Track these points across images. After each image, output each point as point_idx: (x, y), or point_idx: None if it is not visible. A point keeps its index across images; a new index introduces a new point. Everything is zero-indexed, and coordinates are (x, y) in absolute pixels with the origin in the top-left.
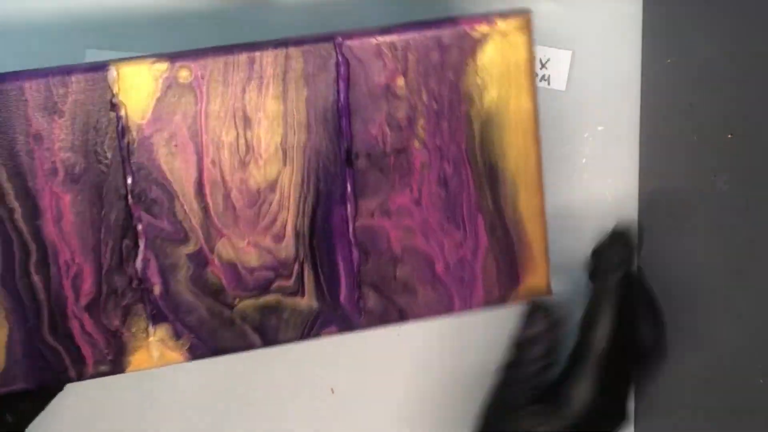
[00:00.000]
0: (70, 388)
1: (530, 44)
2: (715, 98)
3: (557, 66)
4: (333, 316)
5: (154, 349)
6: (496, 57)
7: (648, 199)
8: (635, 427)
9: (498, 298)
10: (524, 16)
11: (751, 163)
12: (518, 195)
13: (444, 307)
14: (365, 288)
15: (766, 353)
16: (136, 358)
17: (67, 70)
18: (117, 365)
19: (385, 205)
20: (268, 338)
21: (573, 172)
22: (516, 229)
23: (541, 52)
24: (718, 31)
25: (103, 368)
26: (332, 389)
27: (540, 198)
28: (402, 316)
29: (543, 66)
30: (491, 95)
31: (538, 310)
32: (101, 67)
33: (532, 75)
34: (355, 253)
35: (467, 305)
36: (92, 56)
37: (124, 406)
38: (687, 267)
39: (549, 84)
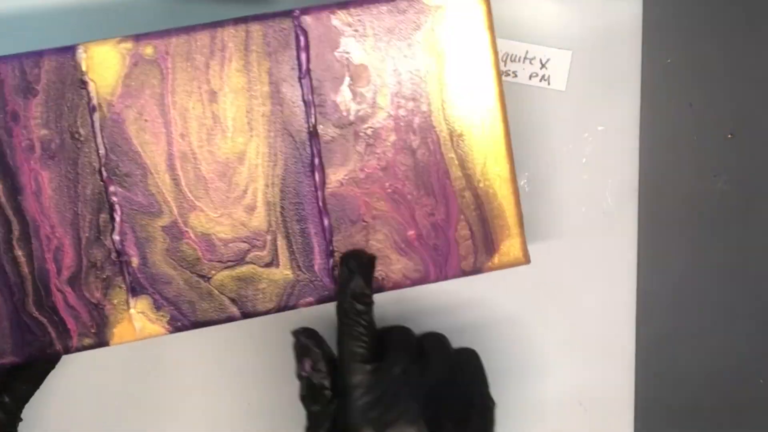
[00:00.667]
0: (61, 371)
1: (488, 13)
2: (715, 98)
3: (557, 66)
4: (309, 287)
5: (136, 320)
6: (453, 25)
7: (648, 199)
8: (635, 427)
9: (474, 266)
10: None
11: (751, 163)
12: (486, 162)
13: (420, 275)
14: (339, 257)
15: (766, 353)
16: (119, 331)
17: (38, 53)
18: (101, 338)
19: (353, 173)
20: (246, 309)
21: (573, 172)
22: (487, 197)
23: (541, 52)
24: (718, 31)
25: (87, 341)
26: None
27: (509, 164)
28: (378, 285)
29: (543, 66)
30: (452, 62)
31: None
32: (70, 48)
33: (493, 42)
34: (326, 222)
35: (443, 274)
36: None
37: (124, 406)
38: (687, 267)
39: (549, 84)
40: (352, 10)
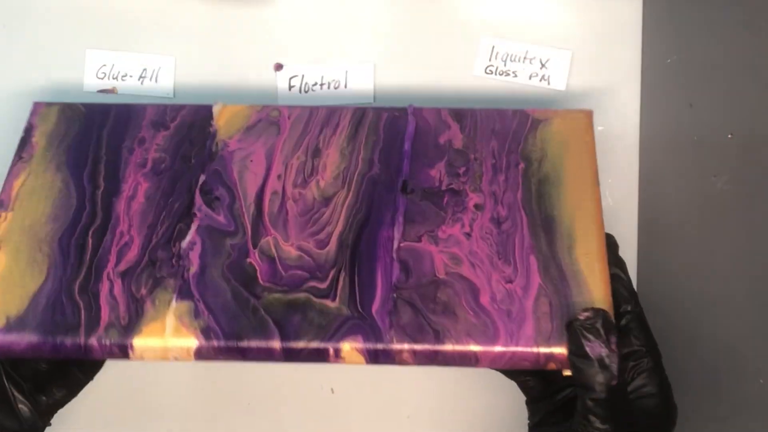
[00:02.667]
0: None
1: (591, 129)
2: (715, 98)
3: (557, 66)
4: (361, 325)
5: (170, 321)
6: (557, 133)
7: (648, 200)
8: None
9: (546, 343)
10: (587, 112)
11: (751, 163)
12: (573, 246)
13: (488, 337)
14: (401, 303)
15: (766, 353)
16: (149, 329)
17: (182, 106)
18: (127, 331)
19: (434, 232)
20: (287, 334)
21: None
22: (574, 277)
23: (541, 52)
24: (718, 31)
25: (112, 332)
26: (332, 389)
27: (599, 251)
28: (437, 337)
29: (543, 66)
30: (551, 162)
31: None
32: (208, 106)
33: (593, 152)
34: (396, 268)
35: (514, 341)
36: (92, 56)
37: (124, 405)
38: (687, 267)
39: (549, 84)
40: (461, 111)
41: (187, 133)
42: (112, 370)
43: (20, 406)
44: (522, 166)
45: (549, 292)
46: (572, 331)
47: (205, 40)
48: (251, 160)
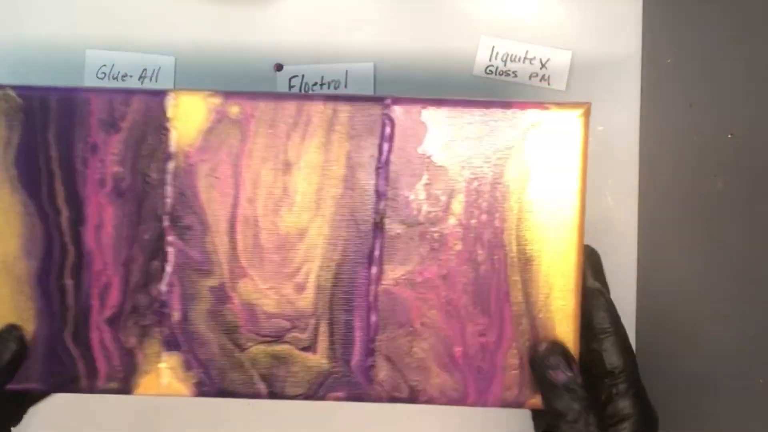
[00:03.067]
0: None
1: (585, 136)
2: (715, 98)
3: (557, 66)
4: (342, 381)
5: (164, 376)
6: (545, 145)
7: (648, 200)
8: None
9: (516, 399)
10: (581, 107)
11: (751, 163)
12: (551, 293)
13: (457, 395)
14: (379, 357)
15: (766, 353)
16: (145, 381)
17: (130, 91)
18: (126, 384)
19: (411, 275)
20: (275, 390)
21: None
22: (545, 329)
23: (541, 52)
24: (718, 31)
25: (112, 385)
26: None
27: (575, 302)
28: (412, 395)
29: (543, 66)
30: (535, 183)
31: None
32: (161, 92)
33: (584, 168)
34: (374, 319)
35: (482, 399)
36: (92, 56)
37: (123, 405)
38: (687, 267)
39: (549, 84)
40: (446, 111)
41: (142, 139)
42: None
43: None
44: (506, 188)
45: (519, 344)
46: (535, 365)
47: (205, 40)
48: (216, 177)
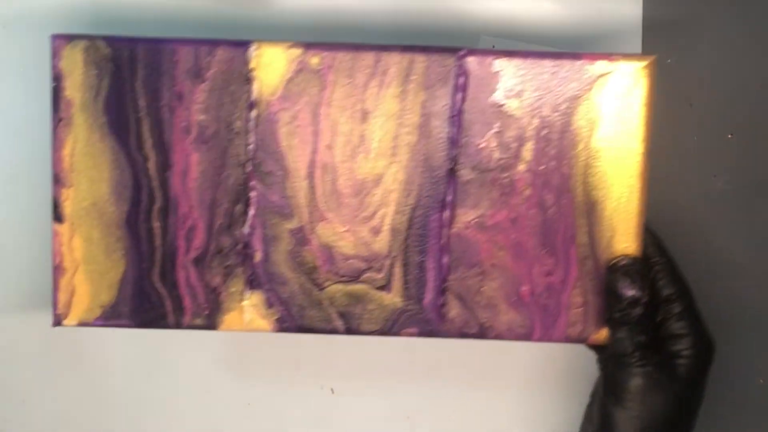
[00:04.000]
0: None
1: (650, 87)
2: (715, 98)
3: None
4: (415, 318)
5: (247, 312)
6: (612, 95)
7: (648, 200)
8: None
9: (580, 335)
10: (647, 60)
11: (751, 163)
12: (614, 236)
13: (524, 331)
14: (450, 296)
15: (766, 353)
16: (229, 318)
17: (214, 42)
18: (212, 320)
19: (482, 219)
20: (351, 326)
21: None
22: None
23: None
24: (718, 31)
25: (198, 321)
26: (332, 389)
27: (637, 242)
28: (481, 331)
29: None
30: (602, 131)
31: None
32: (244, 43)
33: (648, 118)
34: (446, 260)
35: (547, 335)
36: None
37: (126, 404)
38: (687, 266)
39: None
40: (517, 61)
41: (226, 88)
42: (111, 370)
43: None
44: (573, 136)
45: (584, 284)
46: (608, 276)
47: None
48: (297, 125)
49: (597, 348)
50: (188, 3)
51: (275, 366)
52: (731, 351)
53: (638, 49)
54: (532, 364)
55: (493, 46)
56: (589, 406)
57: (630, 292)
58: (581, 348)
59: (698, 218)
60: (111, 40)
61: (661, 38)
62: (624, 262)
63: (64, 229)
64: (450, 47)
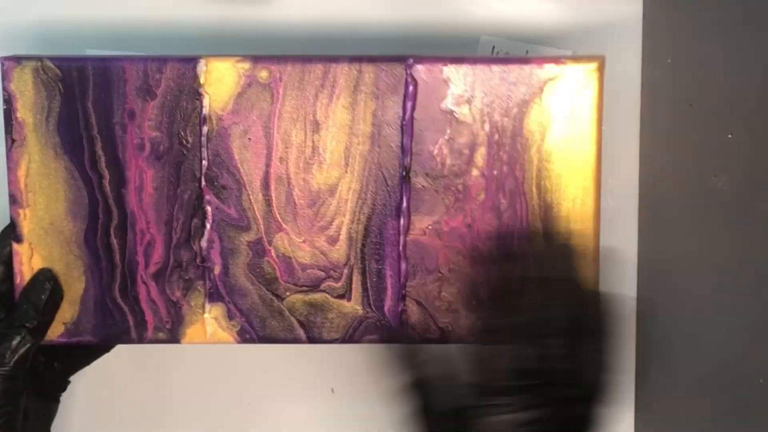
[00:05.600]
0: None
1: (600, 89)
2: (715, 98)
3: None
4: (376, 325)
5: (208, 325)
6: (562, 98)
7: (648, 200)
8: (636, 427)
9: None
10: (595, 61)
11: (751, 163)
12: (571, 237)
13: None
14: (409, 302)
15: (766, 353)
16: (191, 331)
17: (163, 59)
18: (173, 335)
19: (437, 224)
20: (313, 335)
21: None
22: None
23: (541, 52)
24: (718, 31)
25: (161, 335)
26: (332, 389)
27: (594, 245)
28: (443, 336)
29: None
30: (553, 134)
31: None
32: (192, 59)
33: (599, 120)
34: (404, 266)
35: None
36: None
37: (123, 405)
38: (687, 267)
39: None
40: (465, 68)
41: (177, 104)
42: (111, 369)
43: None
44: (525, 140)
45: None
46: None
47: (205, 40)
48: (249, 138)
49: None
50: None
51: (275, 366)
52: (731, 351)
53: (638, 49)
54: None
55: (493, 47)
56: None
57: None
58: None
59: (698, 218)
60: (59, 60)
61: (661, 38)
62: None
63: (23, 248)
64: (398, 56)
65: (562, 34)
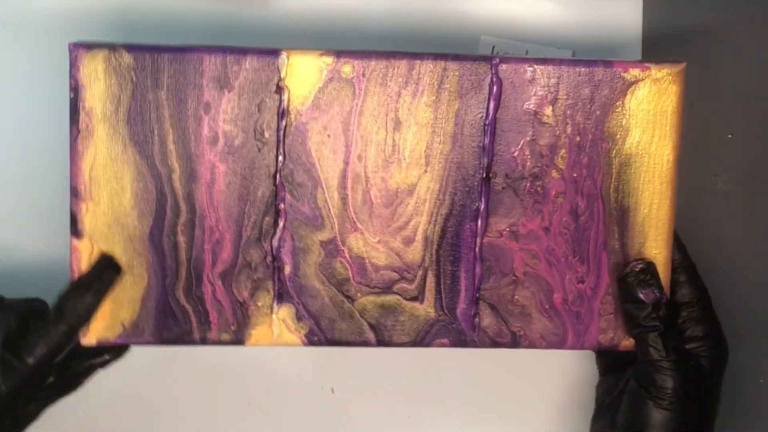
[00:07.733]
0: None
1: (680, 94)
2: (715, 98)
3: None
4: (447, 329)
5: (275, 326)
6: (644, 102)
7: None
8: None
9: (611, 342)
10: (678, 66)
11: (751, 163)
12: (645, 242)
13: (557, 339)
14: (483, 305)
15: (766, 353)
16: (257, 333)
17: (243, 50)
18: (239, 336)
19: (514, 227)
20: (383, 338)
21: None
22: None
23: (541, 52)
24: (718, 32)
25: (224, 336)
26: (332, 389)
27: (667, 249)
28: (514, 341)
29: None
30: (634, 138)
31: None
32: (273, 51)
33: (678, 125)
34: (478, 269)
35: (579, 343)
36: None
37: (123, 405)
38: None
39: None
40: (551, 69)
41: (254, 97)
42: (111, 369)
43: None
44: (606, 145)
45: (615, 292)
46: (627, 283)
47: (205, 40)
48: (328, 135)
49: (605, 356)
50: (189, 4)
51: (275, 366)
52: (731, 351)
53: (638, 49)
54: (530, 365)
55: (493, 47)
56: (602, 412)
57: (651, 295)
58: (576, 353)
59: (698, 218)
60: (133, 49)
61: (661, 39)
62: (639, 267)
63: (83, 244)
64: (483, 55)
65: (562, 34)
